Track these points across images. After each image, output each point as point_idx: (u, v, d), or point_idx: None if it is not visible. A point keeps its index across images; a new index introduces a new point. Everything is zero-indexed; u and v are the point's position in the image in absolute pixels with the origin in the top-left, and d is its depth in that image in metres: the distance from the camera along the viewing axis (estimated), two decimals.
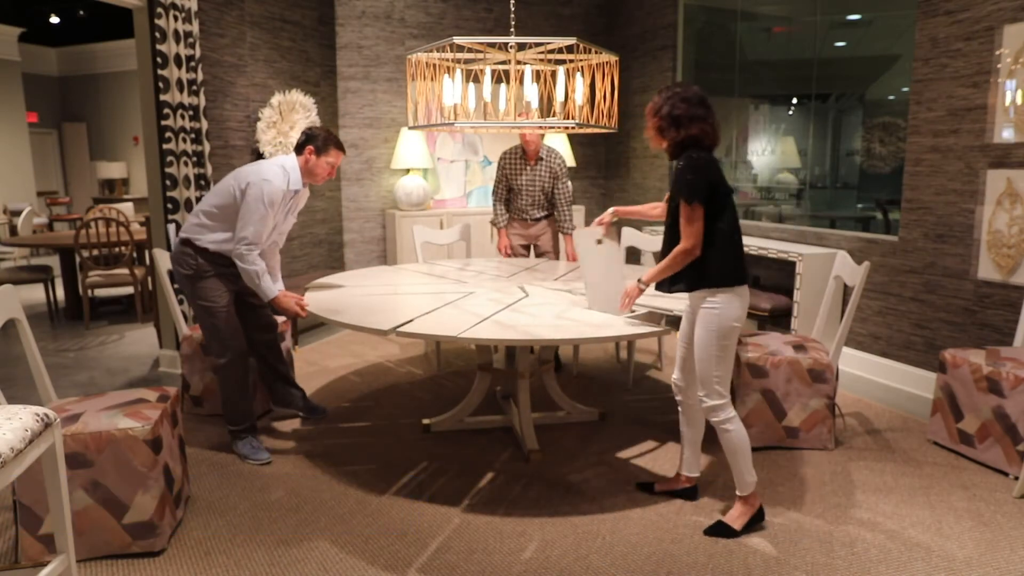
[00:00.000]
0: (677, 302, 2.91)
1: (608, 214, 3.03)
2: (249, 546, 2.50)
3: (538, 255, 4.61)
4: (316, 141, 3.15)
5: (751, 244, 4.82)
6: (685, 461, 2.83)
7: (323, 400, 3.97)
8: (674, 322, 4.42)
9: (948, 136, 3.86)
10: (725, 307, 2.46)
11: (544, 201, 4.48)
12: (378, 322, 2.78)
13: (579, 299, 3.32)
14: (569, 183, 4.50)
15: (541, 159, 4.37)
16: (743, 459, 2.54)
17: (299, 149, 3.19)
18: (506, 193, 4.50)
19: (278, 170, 3.12)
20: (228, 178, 3.16)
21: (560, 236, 4.62)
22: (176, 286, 3.98)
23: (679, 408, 2.80)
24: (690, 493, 2.83)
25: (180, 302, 4.28)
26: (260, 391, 3.72)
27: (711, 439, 3.42)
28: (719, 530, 2.56)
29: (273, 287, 3.15)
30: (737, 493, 2.60)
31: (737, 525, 2.56)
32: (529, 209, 4.48)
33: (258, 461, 3.20)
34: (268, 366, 3.57)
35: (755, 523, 2.59)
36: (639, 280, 2.73)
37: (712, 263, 2.46)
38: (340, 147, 3.23)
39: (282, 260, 5.45)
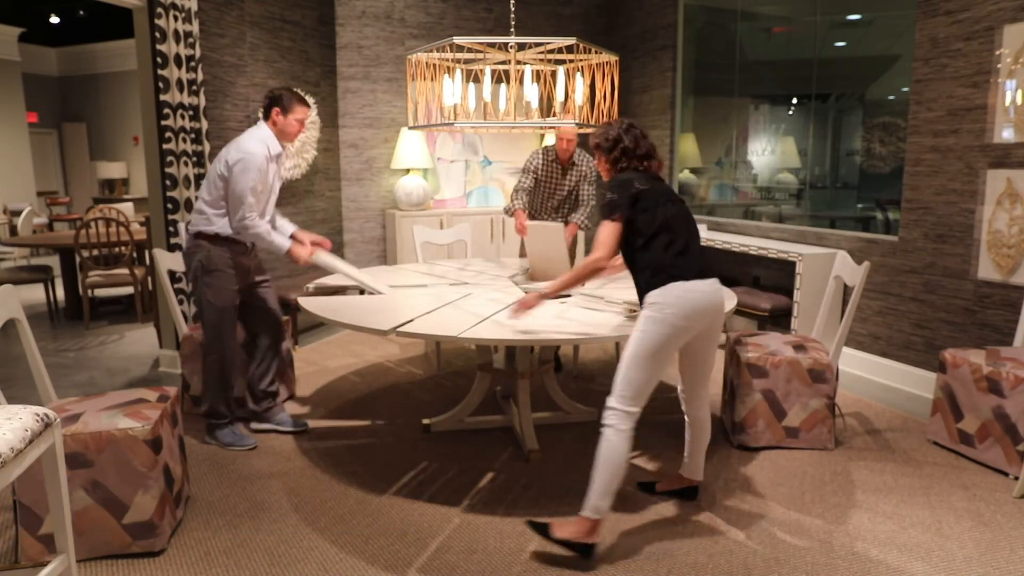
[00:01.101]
0: None
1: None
2: (249, 546, 2.50)
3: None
4: (281, 102, 3.23)
5: (751, 244, 4.83)
6: (686, 465, 2.82)
7: (323, 400, 3.98)
8: None
9: (948, 136, 3.86)
10: (660, 308, 2.37)
11: (566, 208, 4.34)
12: (378, 322, 2.78)
13: (577, 299, 3.32)
14: (593, 188, 4.31)
15: (574, 164, 4.22)
16: (607, 476, 2.34)
17: (266, 113, 3.27)
18: (530, 190, 4.26)
19: (254, 141, 3.21)
20: (211, 167, 3.25)
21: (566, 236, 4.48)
22: (175, 285, 3.97)
23: (686, 418, 2.77)
24: (690, 493, 2.83)
25: (180, 302, 4.28)
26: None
27: (716, 439, 3.42)
28: (539, 526, 2.42)
29: (285, 240, 3.29)
30: (581, 512, 2.38)
31: (559, 532, 2.38)
32: (550, 210, 4.34)
33: (244, 447, 3.30)
34: (270, 363, 3.56)
35: (579, 551, 2.38)
36: (541, 292, 2.67)
37: (643, 271, 2.47)
38: (304, 102, 3.30)
39: (284, 260, 5.45)
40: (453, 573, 2.34)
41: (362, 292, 3.60)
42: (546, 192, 4.29)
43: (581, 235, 5.08)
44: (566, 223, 4.30)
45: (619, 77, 3.90)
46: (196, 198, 4.34)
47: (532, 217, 4.37)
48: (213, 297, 3.25)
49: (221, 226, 3.24)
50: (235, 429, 3.38)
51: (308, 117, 3.34)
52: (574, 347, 4.66)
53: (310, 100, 5.39)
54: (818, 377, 3.20)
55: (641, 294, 2.47)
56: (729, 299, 3.08)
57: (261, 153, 3.18)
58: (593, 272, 2.53)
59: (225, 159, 3.17)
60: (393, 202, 6.22)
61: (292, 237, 3.46)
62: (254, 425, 3.54)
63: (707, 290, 2.44)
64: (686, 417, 2.76)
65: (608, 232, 2.47)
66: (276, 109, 3.24)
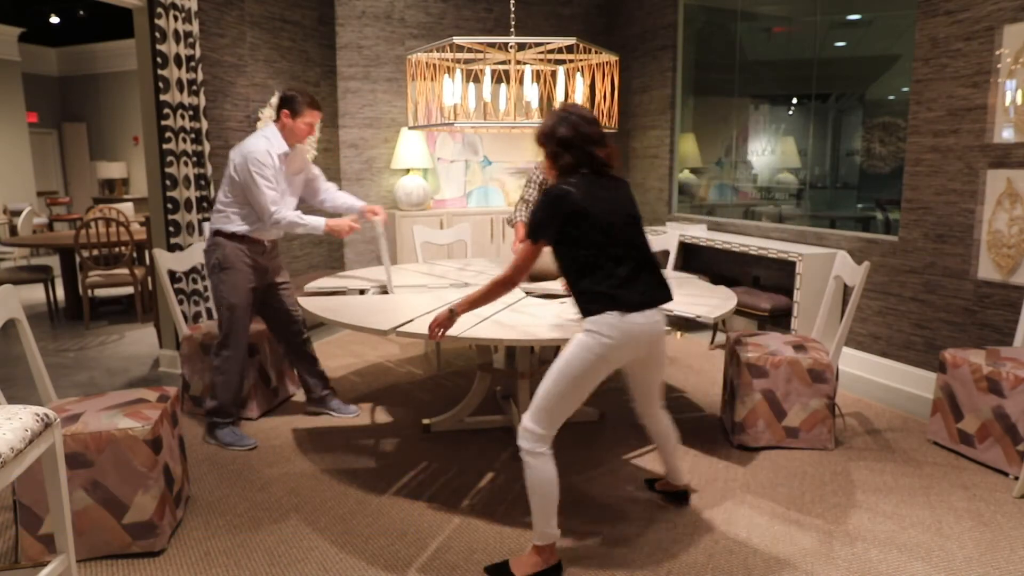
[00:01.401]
0: (676, 303, 2.91)
1: None
2: (249, 546, 2.50)
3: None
4: (291, 104, 3.26)
5: (751, 244, 4.83)
6: (668, 473, 2.79)
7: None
8: (674, 322, 4.46)
9: (948, 136, 3.86)
10: (595, 336, 2.21)
11: None
12: (378, 322, 2.78)
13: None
14: None
15: None
16: (543, 502, 2.27)
17: (277, 114, 3.31)
18: (533, 196, 4.15)
19: (260, 140, 3.26)
20: (227, 168, 3.33)
21: None
22: (175, 285, 3.97)
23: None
24: (680, 498, 2.79)
25: (180, 302, 4.28)
26: (259, 389, 3.72)
27: (716, 440, 3.42)
28: (499, 569, 2.32)
29: (319, 219, 3.33)
30: (533, 541, 2.31)
31: (520, 571, 2.29)
32: None
33: (244, 447, 3.32)
34: (301, 363, 3.73)
35: None
36: (451, 308, 2.46)
37: (581, 295, 2.27)
38: (315, 106, 3.31)
39: (284, 260, 5.46)
40: (453, 573, 2.34)
41: (362, 292, 3.60)
42: None
43: None
44: None
45: (619, 77, 3.90)
46: (198, 199, 4.35)
47: None
48: (228, 293, 3.31)
49: (238, 224, 3.31)
50: (235, 429, 3.41)
51: (317, 120, 3.36)
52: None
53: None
54: (818, 377, 3.20)
55: (581, 313, 2.29)
56: (725, 307, 3.01)
57: (263, 148, 3.23)
58: (503, 290, 2.37)
59: (233, 161, 3.26)
60: (393, 202, 6.21)
61: (361, 212, 3.61)
62: (309, 408, 3.78)
63: (643, 322, 2.23)
64: (647, 430, 2.68)
65: (525, 255, 2.28)
66: (285, 111, 3.27)
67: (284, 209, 3.28)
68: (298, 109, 3.25)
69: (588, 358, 2.22)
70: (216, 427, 3.38)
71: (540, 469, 2.27)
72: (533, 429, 2.28)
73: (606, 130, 3.80)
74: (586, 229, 2.22)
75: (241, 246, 3.32)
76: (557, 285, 3.64)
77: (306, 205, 3.59)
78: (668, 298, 2.35)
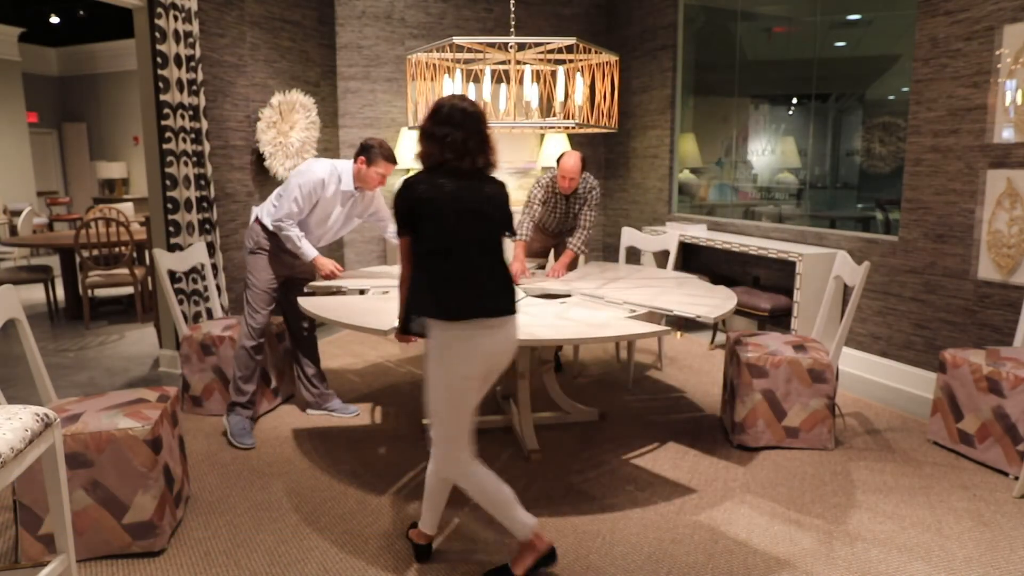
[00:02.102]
0: (676, 302, 2.91)
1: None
2: (249, 546, 2.50)
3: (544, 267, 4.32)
4: (367, 153, 3.41)
5: (751, 244, 4.83)
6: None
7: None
8: (674, 322, 4.46)
9: (948, 136, 3.86)
10: (439, 343, 2.14)
11: (571, 224, 4.22)
12: (378, 322, 2.78)
13: (577, 299, 3.32)
14: (596, 210, 4.14)
15: (577, 193, 4.09)
16: (501, 508, 2.22)
17: (356, 157, 3.46)
18: (536, 215, 4.14)
19: (328, 166, 3.45)
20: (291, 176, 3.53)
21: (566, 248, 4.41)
22: (175, 285, 3.97)
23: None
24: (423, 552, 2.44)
25: (180, 302, 4.28)
26: (259, 389, 3.73)
27: (716, 440, 3.42)
28: (499, 573, 2.29)
29: (312, 249, 3.48)
30: (518, 539, 2.29)
31: (521, 569, 2.26)
32: (554, 226, 4.26)
33: (241, 444, 3.36)
34: (304, 359, 3.79)
35: (547, 561, 2.29)
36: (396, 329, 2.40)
37: (413, 294, 2.20)
38: (390, 159, 3.43)
39: None
40: (453, 573, 2.34)
41: (362, 292, 3.60)
42: (550, 214, 4.18)
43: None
44: (567, 232, 4.26)
45: (619, 77, 3.90)
46: (198, 199, 4.36)
47: (534, 239, 4.31)
48: (252, 274, 3.52)
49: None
50: (245, 422, 3.46)
51: (390, 172, 3.49)
52: (574, 347, 4.65)
53: (310, 101, 5.40)
54: (818, 377, 3.20)
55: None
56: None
57: (321, 178, 3.40)
58: (402, 289, 2.28)
59: (299, 168, 3.48)
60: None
61: None
62: (309, 411, 3.80)
63: (471, 333, 2.12)
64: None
65: (400, 249, 2.25)
66: (362, 158, 3.41)
67: (293, 227, 3.44)
68: (373, 159, 3.40)
69: (451, 368, 2.14)
70: (231, 409, 3.48)
71: (478, 482, 2.23)
72: (443, 456, 2.24)
73: (606, 130, 3.80)
74: (427, 225, 2.14)
75: (274, 237, 3.52)
76: (557, 284, 3.64)
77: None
78: (498, 310, 2.16)
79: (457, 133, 2.17)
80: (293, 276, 3.64)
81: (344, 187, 3.45)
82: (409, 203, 2.17)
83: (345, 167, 3.46)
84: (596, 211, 4.11)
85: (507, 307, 2.20)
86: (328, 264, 3.54)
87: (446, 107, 2.20)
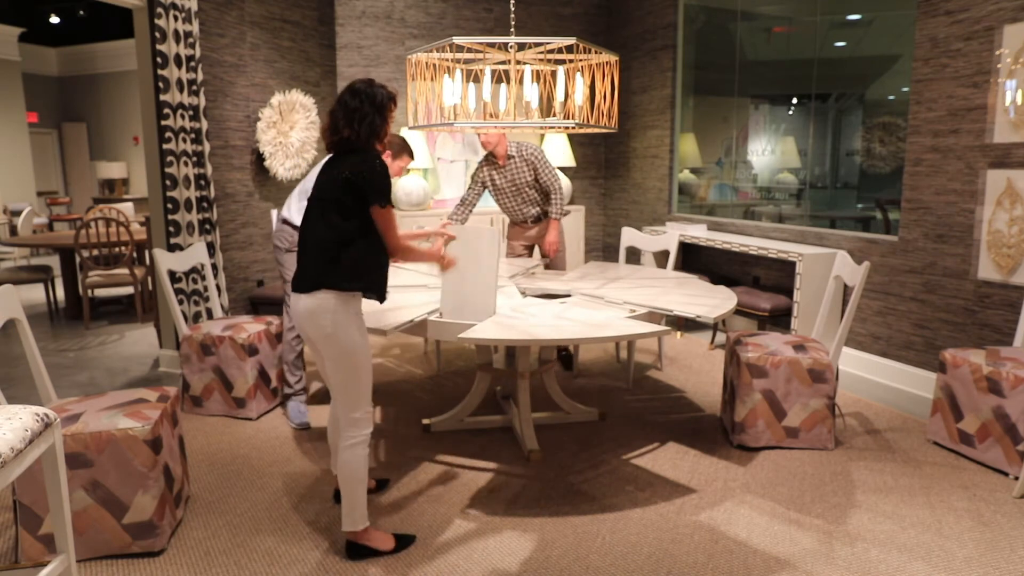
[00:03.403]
0: (676, 302, 2.91)
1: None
2: (249, 546, 2.50)
3: (542, 256, 4.44)
4: (393, 147, 3.63)
5: (751, 244, 4.83)
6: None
7: (323, 400, 3.98)
8: (674, 322, 4.44)
9: (948, 136, 3.86)
10: None
11: (536, 197, 4.30)
12: (378, 322, 2.78)
13: (577, 299, 3.32)
14: (554, 169, 4.26)
15: (512, 156, 4.18)
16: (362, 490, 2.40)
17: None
18: (478, 197, 4.28)
19: None
20: (311, 173, 3.62)
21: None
22: (175, 285, 3.98)
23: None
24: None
25: (180, 302, 4.28)
26: (259, 389, 3.72)
27: (716, 440, 3.42)
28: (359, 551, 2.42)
29: None
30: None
31: (384, 546, 2.44)
32: (523, 208, 4.32)
33: (294, 424, 3.61)
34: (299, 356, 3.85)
35: (405, 543, 2.48)
36: None
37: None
38: (411, 154, 3.70)
39: None
40: (453, 573, 2.34)
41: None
42: (507, 195, 4.27)
43: (576, 225, 5.04)
44: (544, 216, 4.38)
45: (619, 77, 3.90)
46: (198, 199, 4.36)
47: (512, 220, 4.47)
48: (289, 269, 3.62)
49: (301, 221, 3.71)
50: (300, 405, 3.68)
51: (407, 165, 3.70)
52: (574, 347, 4.66)
53: (310, 101, 5.40)
54: (818, 377, 3.20)
55: None
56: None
57: None
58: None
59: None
60: (393, 202, 6.21)
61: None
62: (280, 401, 3.93)
63: (293, 305, 2.39)
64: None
65: (392, 220, 2.43)
66: (387, 152, 3.61)
67: None
68: (399, 153, 3.64)
69: None
70: (286, 400, 3.74)
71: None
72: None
73: (606, 130, 3.80)
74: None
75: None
76: (557, 284, 3.64)
77: None
78: (298, 286, 2.35)
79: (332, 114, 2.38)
80: None
81: None
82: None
83: None
84: (551, 170, 4.22)
85: (298, 286, 2.37)
86: None
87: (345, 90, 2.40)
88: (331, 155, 2.42)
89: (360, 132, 2.32)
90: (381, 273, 2.40)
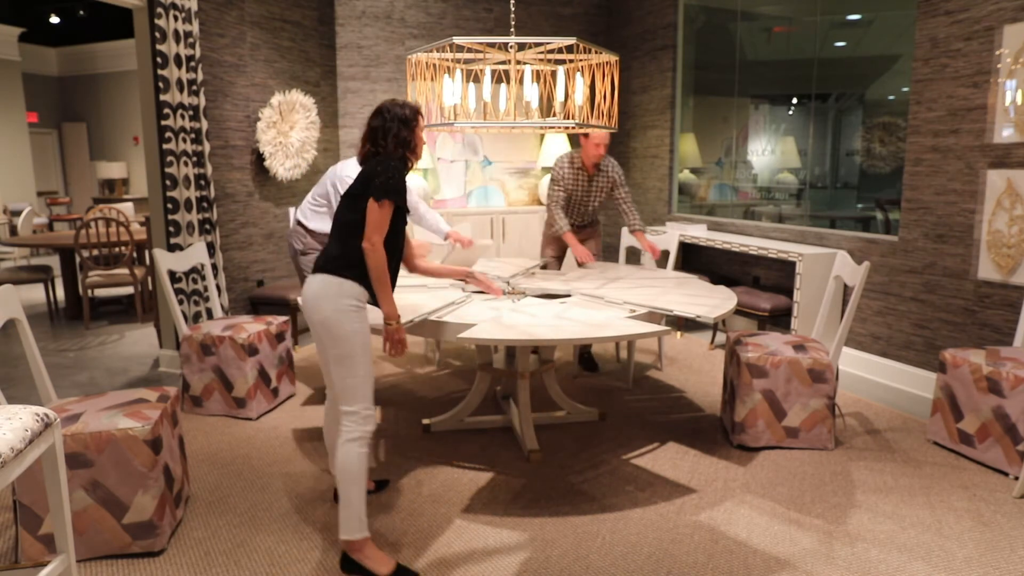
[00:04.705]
0: (676, 302, 2.90)
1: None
2: (249, 546, 2.50)
3: (579, 263, 4.29)
4: None
5: (751, 244, 4.83)
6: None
7: (323, 399, 3.98)
8: (674, 322, 4.43)
9: (948, 136, 3.86)
10: None
11: (599, 207, 4.34)
12: (378, 321, 2.78)
13: (577, 299, 3.32)
14: (627, 189, 4.29)
15: (600, 170, 4.16)
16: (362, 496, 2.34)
17: None
18: (560, 199, 4.21)
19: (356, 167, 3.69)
20: (326, 174, 3.87)
21: (591, 242, 4.45)
22: (175, 285, 3.98)
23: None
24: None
25: (180, 302, 4.28)
26: (259, 389, 3.72)
27: (716, 440, 3.42)
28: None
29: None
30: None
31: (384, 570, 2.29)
32: (586, 214, 4.33)
33: None
34: None
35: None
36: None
37: None
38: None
39: (284, 260, 5.47)
40: (453, 573, 2.34)
41: None
42: (579, 201, 4.25)
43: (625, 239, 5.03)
44: (592, 225, 4.41)
45: (619, 77, 3.90)
46: (198, 199, 4.36)
47: (550, 238, 4.44)
48: (307, 271, 3.84)
49: (316, 222, 3.91)
50: None
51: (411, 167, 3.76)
52: (574, 347, 4.65)
53: (310, 101, 5.40)
54: (818, 377, 3.20)
55: None
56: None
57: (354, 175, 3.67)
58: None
59: (335, 171, 3.81)
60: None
61: (447, 236, 3.98)
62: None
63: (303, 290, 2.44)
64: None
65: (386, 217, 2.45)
66: None
67: (323, 213, 3.81)
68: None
69: None
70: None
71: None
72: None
73: (606, 130, 3.81)
74: None
75: (317, 239, 3.88)
76: (557, 284, 3.64)
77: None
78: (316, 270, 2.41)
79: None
80: None
81: None
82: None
83: None
84: (627, 188, 4.27)
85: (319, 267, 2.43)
86: None
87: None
88: None
89: (387, 146, 2.50)
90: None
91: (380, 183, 2.35)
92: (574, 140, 6.54)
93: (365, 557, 2.30)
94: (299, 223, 3.94)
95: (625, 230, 4.95)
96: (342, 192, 3.73)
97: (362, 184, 2.40)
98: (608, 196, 4.29)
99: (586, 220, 4.38)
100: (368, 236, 2.34)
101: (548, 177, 6.43)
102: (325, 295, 2.32)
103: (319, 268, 2.39)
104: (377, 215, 2.34)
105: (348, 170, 3.76)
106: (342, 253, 2.38)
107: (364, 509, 2.31)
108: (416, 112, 2.56)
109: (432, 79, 3.81)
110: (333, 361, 2.34)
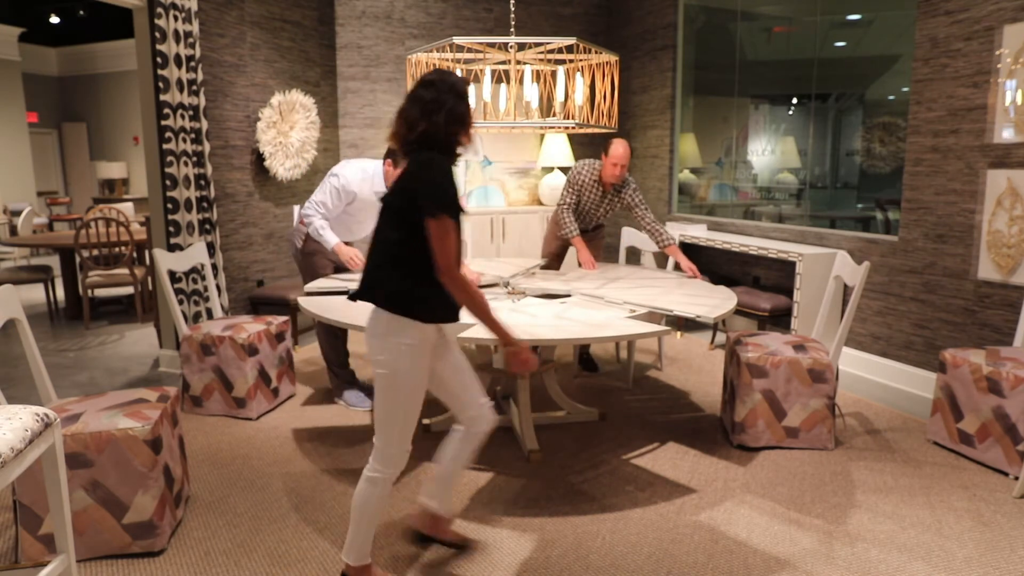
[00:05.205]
0: (676, 302, 2.90)
1: None
2: (249, 546, 2.50)
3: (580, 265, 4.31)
4: (393, 156, 3.69)
5: (751, 244, 4.83)
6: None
7: (323, 400, 3.98)
8: (674, 322, 4.43)
9: (948, 136, 3.86)
10: None
11: (599, 222, 4.33)
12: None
13: (577, 299, 3.32)
14: (646, 206, 4.18)
15: (616, 191, 4.10)
16: (371, 524, 2.19)
17: (384, 159, 3.75)
18: (575, 205, 4.17)
19: (357, 171, 3.76)
20: (326, 177, 3.84)
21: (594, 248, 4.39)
22: (175, 285, 3.98)
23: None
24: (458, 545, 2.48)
25: (180, 302, 4.28)
26: (259, 389, 3.72)
27: (716, 440, 3.42)
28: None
29: (334, 237, 3.74)
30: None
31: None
32: (596, 221, 4.31)
33: (361, 408, 3.83)
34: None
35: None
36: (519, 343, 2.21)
37: None
38: None
39: (284, 260, 5.47)
40: (453, 573, 2.34)
41: None
42: (590, 209, 4.20)
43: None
44: (595, 229, 4.38)
45: (619, 77, 3.90)
46: (198, 199, 4.36)
47: (552, 239, 4.40)
48: (308, 274, 3.94)
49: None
50: (356, 392, 3.89)
51: None
52: (574, 347, 4.65)
53: (310, 101, 5.40)
54: (818, 377, 3.20)
55: None
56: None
57: (349, 178, 3.73)
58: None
59: (333, 171, 3.79)
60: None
61: None
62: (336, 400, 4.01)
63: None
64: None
65: (451, 233, 2.08)
66: (389, 160, 3.70)
67: (319, 219, 3.75)
68: (398, 162, 3.62)
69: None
70: (340, 388, 3.91)
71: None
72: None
73: (606, 130, 3.80)
74: None
75: (316, 242, 3.87)
76: (557, 284, 3.64)
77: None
78: (364, 297, 2.11)
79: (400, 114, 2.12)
80: (339, 266, 4.03)
81: (377, 188, 3.77)
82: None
83: (376, 168, 3.79)
84: (646, 206, 4.16)
85: (363, 294, 2.12)
86: (348, 251, 3.74)
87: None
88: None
89: (440, 122, 2.04)
90: (436, 298, 2.07)
91: (427, 193, 1.98)
92: (574, 140, 6.54)
93: None
94: (301, 222, 3.97)
95: (625, 231, 4.95)
96: (343, 194, 3.74)
97: (402, 195, 2.03)
98: (619, 212, 4.24)
99: (589, 227, 4.36)
100: (442, 268, 1.99)
101: (548, 177, 6.44)
102: (387, 332, 2.06)
103: (382, 303, 2.08)
104: (439, 236, 1.98)
105: (346, 170, 3.75)
106: (401, 289, 2.06)
107: (371, 540, 2.19)
108: (467, 83, 2.13)
109: None
110: (381, 388, 2.10)
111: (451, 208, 2.01)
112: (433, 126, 2.03)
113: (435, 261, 2.00)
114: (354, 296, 2.15)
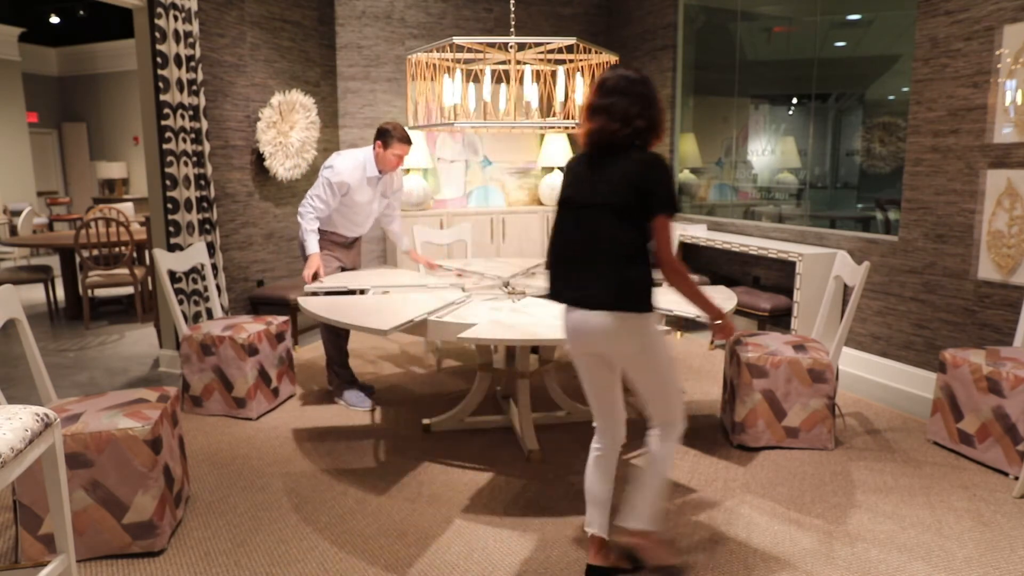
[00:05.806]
0: (676, 302, 2.89)
1: None
2: (249, 546, 2.50)
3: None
4: (383, 136, 3.69)
5: (751, 244, 4.83)
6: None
7: (323, 399, 3.98)
8: (674, 322, 4.42)
9: (948, 136, 3.86)
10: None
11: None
12: (378, 322, 2.78)
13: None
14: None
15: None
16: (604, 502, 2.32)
17: (374, 141, 3.74)
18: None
19: (348, 159, 3.76)
20: (321, 171, 3.83)
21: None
22: (175, 285, 3.98)
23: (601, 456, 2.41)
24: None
25: (180, 302, 4.28)
26: (259, 389, 3.72)
27: (716, 440, 3.42)
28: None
29: (314, 246, 3.75)
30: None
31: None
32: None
33: (361, 408, 3.82)
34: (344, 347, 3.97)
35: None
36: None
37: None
38: (405, 140, 3.69)
39: (284, 260, 5.47)
40: (453, 573, 2.34)
41: (362, 292, 3.60)
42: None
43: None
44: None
45: None
46: (198, 199, 4.36)
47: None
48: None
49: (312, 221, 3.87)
50: (358, 392, 3.88)
51: (406, 153, 3.75)
52: None
53: (310, 101, 5.40)
54: (818, 377, 3.20)
55: None
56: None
57: (348, 167, 3.73)
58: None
59: (326, 164, 3.77)
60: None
61: (408, 253, 4.26)
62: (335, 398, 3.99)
63: (570, 317, 2.19)
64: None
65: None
66: (379, 142, 3.70)
67: (310, 216, 3.75)
68: (389, 142, 3.67)
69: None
70: (340, 388, 3.88)
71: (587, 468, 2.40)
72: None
73: None
74: (560, 206, 2.23)
75: (323, 235, 3.87)
76: None
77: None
78: (587, 302, 2.12)
79: (588, 107, 2.13)
80: (347, 268, 4.04)
81: (370, 173, 3.76)
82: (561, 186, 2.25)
83: (367, 155, 3.76)
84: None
85: (585, 298, 2.13)
86: (310, 268, 3.71)
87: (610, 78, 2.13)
88: (591, 153, 2.15)
89: (652, 120, 2.09)
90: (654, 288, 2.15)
91: (665, 193, 2.04)
92: (574, 140, 6.54)
93: (649, 549, 2.30)
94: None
95: None
96: (335, 187, 3.69)
97: (633, 193, 2.03)
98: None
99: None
100: (667, 260, 2.07)
101: (548, 177, 6.44)
102: (632, 330, 2.11)
103: (609, 305, 2.09)
104: (667, 232, 2.05)
105: (338, 161, 3.73)
106: (644, 285, 2.10)
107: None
108: None
109: (432, 79, 3.81)
110: (649, 369, 2.19)
111: (678, 206, 2.18)
112: (650, 121, 2.09)
113: (660, 254, 2.08)
114: (578, 302, 2.16)
